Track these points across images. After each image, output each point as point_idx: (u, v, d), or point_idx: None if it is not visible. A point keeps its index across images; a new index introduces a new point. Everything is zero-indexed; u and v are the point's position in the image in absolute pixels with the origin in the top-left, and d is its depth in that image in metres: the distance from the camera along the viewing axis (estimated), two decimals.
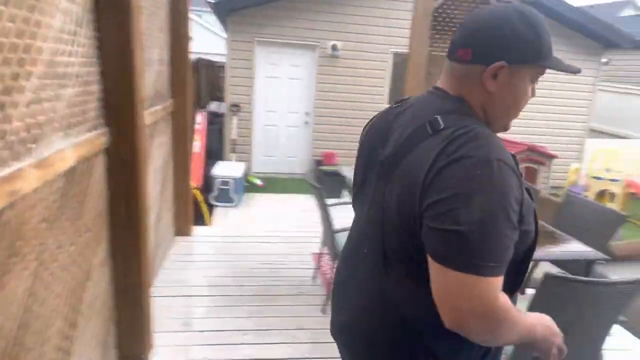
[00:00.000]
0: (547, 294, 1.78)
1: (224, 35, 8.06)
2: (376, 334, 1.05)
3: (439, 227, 0.86)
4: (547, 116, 7.27)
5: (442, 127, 0.93)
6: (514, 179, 0.87)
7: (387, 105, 1.19)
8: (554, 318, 1.05)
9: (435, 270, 0.88)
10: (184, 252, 3.85)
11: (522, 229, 0.89)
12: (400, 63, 6.71)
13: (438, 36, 4.56)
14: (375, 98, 6.86)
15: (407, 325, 0.99)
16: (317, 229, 4.39)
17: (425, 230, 0.89)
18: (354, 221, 1.18)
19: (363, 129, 1.22)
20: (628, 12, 16.66)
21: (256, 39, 6.42)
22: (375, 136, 1.12)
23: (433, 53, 4.50)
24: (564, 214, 3.05)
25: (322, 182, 5.88)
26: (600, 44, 7.16)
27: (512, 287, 0.95)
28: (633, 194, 6.57)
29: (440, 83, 1.06)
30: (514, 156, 0.92)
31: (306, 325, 2.86)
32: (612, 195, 6.65)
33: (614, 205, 6.59)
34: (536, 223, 0.97)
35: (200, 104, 7.91)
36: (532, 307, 1.79)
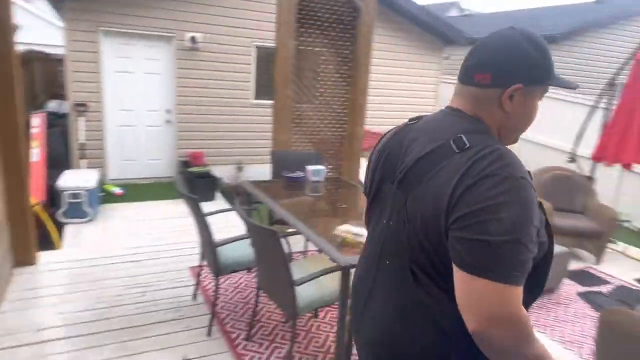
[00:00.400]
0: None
1: (61, 24, 6.94)
2: (416, 345, 1.05)
3: (468, 237, 0.90)
4: (400, 107, 7.78)
5: (467, 146, 0.97)
6: (534, 195, 0.92)
7: (255, 101, 1.05)
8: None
9: (461, 279, 0.92)
10: (28, 286, 3.15)
11: (539, 240, 0.94)
12: (265, 57, 6.50)
13: (303, 29, 4.45)
14: (241, 93, 6.55)
15: (446, 337, 1.01)
16: (193, 239, 4.00)
17: (452, 241, 0.93)
18: (371, 231, 1.22)
19: (379, 141, 1.26)
20: (453, 12, 18.81)
21: (101, 29, 5.62)
22: (392, 149, 1.15)
23: (300, 47, 4.40)
24: None
25: (194, 185, 5.42)
26: (441, 40, 7.86)
27: (529, 299, 1.00)
28: None
29: (454, 104, 1.11)
30: (529, 172, 0.97)
31: (192, 353, 2.52)
32: None
33: None
34: (550, 235, 1.03)
35: (35, 104, 6.73)
36: None
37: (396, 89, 7.71)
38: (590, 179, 5.57)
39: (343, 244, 2.24)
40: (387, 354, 1.10)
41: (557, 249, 4.01)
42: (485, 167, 0.92)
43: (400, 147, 1.13)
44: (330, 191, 3.56)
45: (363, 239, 2.19)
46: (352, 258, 2.05)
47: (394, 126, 1.27)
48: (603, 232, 4.80)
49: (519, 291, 0.88)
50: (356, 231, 2.26)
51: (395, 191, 1.09)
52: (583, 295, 3.85)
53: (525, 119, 1.08)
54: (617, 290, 4.03)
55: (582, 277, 4.32)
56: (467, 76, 1.07)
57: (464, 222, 0.91)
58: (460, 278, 0.92)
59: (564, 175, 5.45)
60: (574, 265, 4.40)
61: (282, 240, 2.10)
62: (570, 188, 5.40)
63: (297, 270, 2.28)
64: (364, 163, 5.44)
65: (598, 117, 6.08)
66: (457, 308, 0.93)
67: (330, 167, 4.36)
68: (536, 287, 1.03)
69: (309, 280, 2.12)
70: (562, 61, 9.58)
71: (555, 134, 7.73)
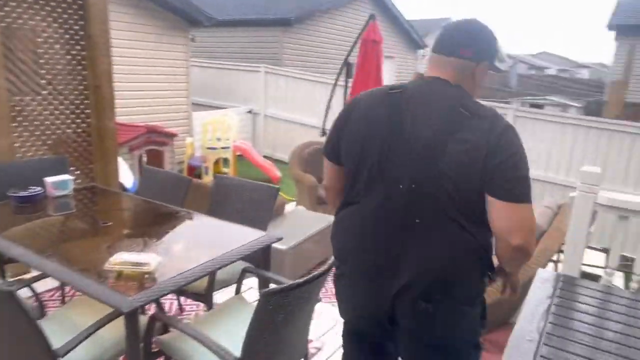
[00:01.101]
0: (264, 311, 1.47)
1: None
2: (459, 271, 1.28)
3: (514, 176, 1.21)
4: (153, 93, 7.03)
5: (475, 110, 1.25)
6: None
7: None
8: (268, 327, 1.50)
9: (505, 208, 1.20)
10: None
11: None
12: None
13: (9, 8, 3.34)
14: None
15: (481, 259, 1.30)
16: None
17: (497, 181, 1.21)
18: (367, 203, 1.34)
19: (347, 109, 1.44)
20: None
21: None
22: (389, 119, 1.30)
23: (7, 21, 3.30)
24: (217, 199, 2.84)
25: None
26: (186, 21, 7.35)
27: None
28: (240, 156, 7.32)
29: (438, 74, 1.32)
30: None
31: None
32: (226, 162, 7.21)
33: (228, 170, 7.18)
34: None
35: None
36: (251, 330, 1.45)
37: (146, 73, 6.87)
38: None
39: (119, 279, 1.69)
40: (440, 289, 1.28)
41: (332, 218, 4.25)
42: (504, 126, 1.23)
43: (399, 116, 1.29)
44: (85, 205, 2.81)
45: (147, 268, 1.70)
46: (137, 298, 1.55)
47: (356, 96, 1.43)
48: None
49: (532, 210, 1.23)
50: (135, 259, 1.73)
51: (415, 154, 1.26)
52: None
53: (480, 86, 1.36)
54: None
55: None
56: (452, 49, 1.31)
57: (506, 165, 1.19)
58: (503, 207, 1.20)
59: (320, 149, 5.85)
60: None
61: (20, 298, 1.41)
62: None
63: (57, 330, 1.63)
64: (123, 162, 4.64)
65: (340, 94, 6.72)
66: (488, 236, 1.28)
67: (79, 173, 3.50)
68: None
69: (79, 343, 1.51)
70: (299, 43, 10.31)
71: (308, 112, 8.27)
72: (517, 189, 1.21)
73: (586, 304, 1.81)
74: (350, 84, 5.73)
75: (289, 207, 5.84)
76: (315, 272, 1.55)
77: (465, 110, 1.25)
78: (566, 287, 1.94)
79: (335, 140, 1.45)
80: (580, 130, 5.76)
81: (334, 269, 1.51)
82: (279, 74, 8.53)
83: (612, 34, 13.90)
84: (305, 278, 1.52)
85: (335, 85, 6.13)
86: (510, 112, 6.20)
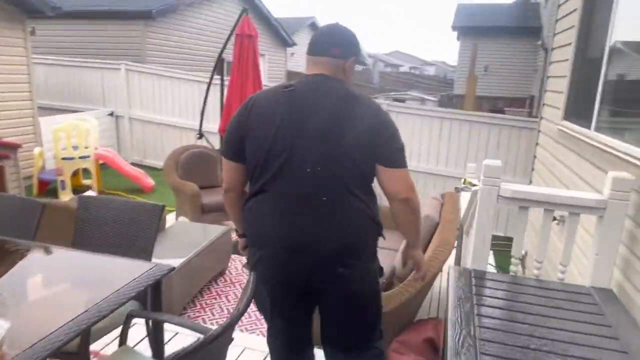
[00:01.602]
0: None
1: None
2: (362, 237, 1.54)
3: (396, 147, 1.51)
4: None
5: (360, 97, 1.52)
6: None
7: None
8: None
9: (393, 173, 1.51)
10: None
11: None
12: None
13: None
14: None
15: (375, 223, 1.57)
16: None
17: (385, 153, 1.50)
18: (277, 187, 1.49)
19: (245, 109, 1.56)
20: None
21: None
22: (283, 113, 1.49)
23: None
24: (83, 225, 2.29)
25: None
26: (24, 10, 6.16)
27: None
28: (103, 164, 6.43)
29: (318, 71, 1.57)
30: None
31: None
32: (87, 173, 6.26)
33: (91, 182, 6.25)
34: None
35: None
36: None
37: None
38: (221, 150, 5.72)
39: None
40: (352, 254, 1.52)
41: (222, 228, 3.86)
42: (377, 107, 1.56)
43: (297, 109, 1.50)
44: None
45: None
46: None
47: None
48: None
49: None
50: None
51: (317, 141, 1.47)
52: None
53: (351, 79, 1.60)
54: None
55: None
56: (325, 50, 1.57)
57: (390, 140, 1.50)
58: (392, 173, 1.51)
59: (199, 153, 5.35)
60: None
61: None
62: (208, 164, 5.36)
63: None
64: None
65: (216, 93, 6.26)
66: (375, 203, 1.58)
67: None
68: None
69: None
70: (165, 39, 9.47)
71: (181, 113, 7.60)
72: (400, 158, 1.52)
73: (499, 298, 1.79)
74: (227, 82, 5.34)
75: (168, 219, 5.27)
76: (230, 320, 1.23)
77: (353, 99, 1.50)
78: (480, 282, 1.91)
79: (237, 140, 1.56)
80: (445, 122, 6.18)
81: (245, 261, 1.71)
82: (143, 72, 7.71)
83: (455, 34, 15.56)
84: (219, 329, 1.20)
85: (210, 83, 5.68)
86: (382, 107, 6.40)
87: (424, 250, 3.13)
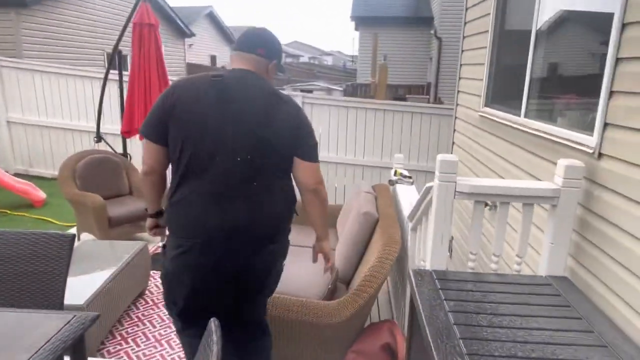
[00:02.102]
0: None
1: None
2: (282, 215, 1.71)
3: (310, 143, 1.69)
4: None
5: (282, 95, 1.66)
6: None
7: None
8: None
9: (307, 166, 1.68)
10: None
11: None
12: None
13: None
14: None
15: (294, 205, 1.77)
16: None
17: (303, 147, 1.68)
18: (209, 174, 1.56)
19: (170, 93, 1.59)
20: None
21: None
22: (212, 101, 1.56)
23: None
24: None
25: None
26: None
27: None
28: None
29: (245, 66, 1.68)
30: None
31: None
32: None
33: None
34: None
35: None
36: None
37: None
38: (126, 155, 5.09)
39: None
40: (281, 231, 1.73)
41: (138, 244, 3.38)
42: (298, 105, 1.69)
43: (226, 98, 1.56)
44: None
45: None
46: None
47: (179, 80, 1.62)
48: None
49: None
50: None
51: (249, 130, 1.57)
52: None
53: (272, 81, 1.76)
54: None
55: None
56: (251, 48, 1.70)
57: (307, 136, 1.67)
58: (307, 166, 1.68)
59: (100, 159, 4.69)
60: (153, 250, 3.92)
61: None
62: (111, 171, 4.74)
63: None
64: None
65: (114, 90, 5.56)
66: (286, 181, 1.72)
67: None
68: None
69: None
70: (44, 29, 8.26)
71: (72, 113, 6.67)
72: (314, 153, 1.68)
73: (470, 301, 1.68)
74: (126, 78, 4.73)
75: None
76: None
77: (279, 97, 1.62)
78: (444, 284, 1.80)
79: (159, 122, 1.58)
80: (364, 112, 6.15)
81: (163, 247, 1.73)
82: (21, 67, 6.63)
83: (352, 24, 15.82)
84: None
85: (105, 79, 5.00)
86: (299, 99, 6.20)
87: (366, 247, 3.01)
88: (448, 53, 12.83)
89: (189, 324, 1.78)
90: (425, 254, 2.12)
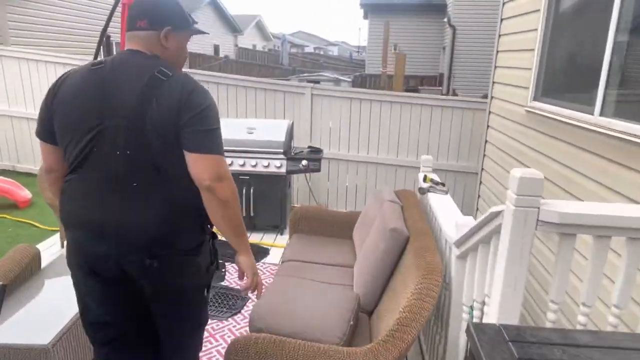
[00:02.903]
0: None
1: None
2: (175, 225, 1.41)
3: (200, 128, 1.34)
4: None
5: (170, 74, 1.37)
6: None
7: None
8: None
9: (196, 158, 1.35)
10: None
11: None
12: None
13: None
14: None
15: (197, 209, 1.42)
16: None
17: (187, 136, 1.34)
18: (88, 170, 1.39)
19: (54, 87, 1.45)
20: None
21: None
22: (90, 93, 1.37)
23: None
24: None
25: None
26: None
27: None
28: None
29: (133, 47, 1.42)
30: None
31: None
32: None
33: None
34: None
35: None
36: None
37: None
38: None
39: None
40: (162, 245, 1.40)
41: None
42: (192, 86, 1.37)
43: (105, 88, 1.36)
44: None
45: None
46: None
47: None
48: None
49: (224, 160, 1.40)
50: None
51: (126, 121, 1.34)
52: None
53: (180, 54, 1.49)
54: None
55: None
56: (131, 24, 1.41)
57: (191, 120, 1.33)
58: (195, 158, 1.34)
59: None
60: None
61: None
62: None
63: None
64: None
65: None
66: (186, 184, 1.38)
67: None
68: None
69: None
70: (30, 14, 7.74)
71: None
72: (205, 141, 1.36)
73: None
74: None
75: (49, 244, 4.11)
76: None
77: (162, 75, 1.35)
78: (521, 349, 1.28)
79: (47, 119, 1.45)
80: (375, 105, 5.61)
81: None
82: (7, 55, 6.12)
83: (360, 13, 15.19)
84: None
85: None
86: (307, 91, 5.67)
87: (393, 270, 2.50)
88: (463, 42, 12.22)
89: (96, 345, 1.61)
90: (490, 300, 1.60)
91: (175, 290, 1.48)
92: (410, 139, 5.63)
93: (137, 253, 1.38)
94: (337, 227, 3.58)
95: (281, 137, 4.47)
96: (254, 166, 4.44)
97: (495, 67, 3.62)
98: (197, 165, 1.35)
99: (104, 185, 1.38)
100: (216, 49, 19.11)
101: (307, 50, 34.77)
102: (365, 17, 15.79)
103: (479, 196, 3.95)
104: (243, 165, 4.44)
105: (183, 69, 1.57)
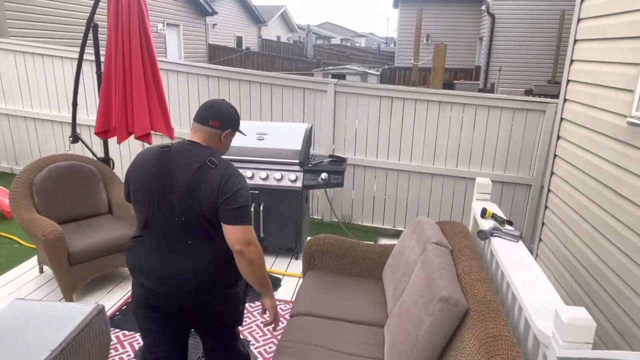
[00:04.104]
0: None
1: None
2: (219, 270, 1.84)
3: (233, 207, 1.73)
4: None
5: (217, 163, 1.77)
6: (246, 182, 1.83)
7: None
8: None
9: (231, 229, 1.74)
10: None
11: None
12: None
13: None
14: None
15: (230, 265, 1.79)
16: None
17: (224, 212, 1.74)
18: (149, 230, 1.83)
19: (130, 166, 1.88)
20: None
21: None
22: (162, 170, 1.79)
23: None
24: None
25: None
26: None
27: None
28: None
29: (194, 138, 1.85)
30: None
31: None
32: None
33: None
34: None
35: None
36: None
37: None
38: (108, 161, 3.96)
39: None
40: (212, 284, 1.84)
41: (89, 308, 2.23)
42: (229, 173, 1.77)
43: (167, 168, 1.78)
44: None
45: None
46: None
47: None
48: None
49: (253, 230, 1.78)
50: None
51: (182, 196, 1.76)
52: None
53: (227, 146, 1.94)
54: None
55: None
56: (205, 121, 1.85)
57: (229, 200, 1.73)
58: (231, 229, 1.74)
59: (65, 168, 3.55)
60: None
61: None
62: (83, 183, 3.62)
63: None
64: None
65: (91, 73, 4.44)
66: (225, 242, 1.76)
67: None
68: None
69: None
70: (31, 3, 7.23)
71: (61, 102, 5.62)
72: (236, 216, 1.74)
73: None
74: (103, 56, 3.57)
75: (27, 267, 3.53)
76: None
77: (211, 164, 1.77)
78: None
79: (126, 186, 1.89)
80: (408, 103, 4.81)
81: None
82: (5, 49, 5.60)
83: (391, 1, 14.23)
84: None
85: (80, 60, 3.84)
86: (330, 87, 4.93)
87: (445, 348, 1.75)
88: (502, 32, 11.17)
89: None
90: None
91: (221, 315, 1.96)
92: (449, 143, 4.82)
93: (195, 292, 1.82)
94: (363, 264, 2.85)
95: (297, 145, 3.75)
96: (265, 179, 3.74)
97: (572, 60, 2.78)
98: (230, 234, 1.74)
99: (166, 243, 1.81)
100: (238, 40, 18.49)
101: (333, 42, 33.83)
102: (396, 5, 14.83)
103: (543, 223, 3.14)
104: (251, 177, 3.75)
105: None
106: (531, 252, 3.45)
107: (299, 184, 3.70)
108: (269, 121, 5.07)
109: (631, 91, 2.07)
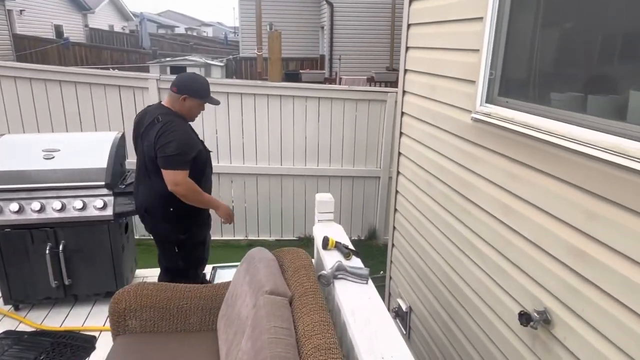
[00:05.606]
0: None
1: None
2: (160, 205, 2.39)
3: (162, 155, 2.24)
4: None
5: (160, 120, 2.28)
6: (191, 135, 2.37)
7: None
8: None
9: (164, 172, 2.26)
10: None
11: (193, 156, 2.31)
12: None
13: None
14: None
15: (168, 196, 2.31)
16: None
17: (158, 158, 2.25)
18: (137, 165, 2.48)
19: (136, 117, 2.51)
20: None
21: None
22: (136, 122, 2.45)
23: None
24: None
25: None
26: None
27: (207, 183, 2.49)
28: None
29: (164, 99, 2.41)
30: (193, 130, 2.44)
31: None
32: None
33: None
34: (205, 150, 2.47)
35: None
36: None
37: None
38: None
39: None
40: (148, 208, 2.47)
41: None
42: (165, 128, 2.25)
43: (143, 121, 2.38)
44: None
45: None
46: None
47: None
48: None
49: (183, 172, 2.27)
50: None
51: (144, 143, 2.34)
52: None
53: (191, 112, 2.41)
54: None
55: None
56: (170, 87, 2.35)
57: (160, 149, 2.23)
58: (164, 172, 2.26)
59: None
60: None
61: None
62: None
63: None
64: None
65: None
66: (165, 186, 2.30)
67: None
68: (206, 177, 2.47)
69: None
70: None
71: None
72: (166, 161, 2.25)
73: None
74: None
75: None
76: None
77: (156, 120, 2.29)
78: None
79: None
80: (246, 99, 4.23)
81: None
82: None
83: None
84: None
85: None
86: (153, 84, 4.08)
87: None
88: (342, 20, 11.27)
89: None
90: None
91: (157, 234, 2.57)
92: (295, 140, 4.39)
93: (143, 208, 2.49)
94: (194, 315, 2.21)
95: (102, 162, 2.89)
96: (60, 210, 2.81)
97: (407, 47, 2.48)
98: (164, 175, 2.28)
99: (140, 178, 2.47)
100: (58, 30, 15.78)
101: (177, 31, 31.52)
102: None
103: (394, 228, 2.86)
104: (40, 210, 2.78)
105: None
106: (385, 249, 3.21)
107: (108, 211, 2.85)
108: (76, 131, 4.02)
109: (473, 82, 1.77)
